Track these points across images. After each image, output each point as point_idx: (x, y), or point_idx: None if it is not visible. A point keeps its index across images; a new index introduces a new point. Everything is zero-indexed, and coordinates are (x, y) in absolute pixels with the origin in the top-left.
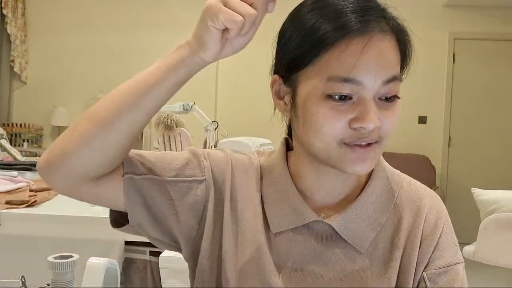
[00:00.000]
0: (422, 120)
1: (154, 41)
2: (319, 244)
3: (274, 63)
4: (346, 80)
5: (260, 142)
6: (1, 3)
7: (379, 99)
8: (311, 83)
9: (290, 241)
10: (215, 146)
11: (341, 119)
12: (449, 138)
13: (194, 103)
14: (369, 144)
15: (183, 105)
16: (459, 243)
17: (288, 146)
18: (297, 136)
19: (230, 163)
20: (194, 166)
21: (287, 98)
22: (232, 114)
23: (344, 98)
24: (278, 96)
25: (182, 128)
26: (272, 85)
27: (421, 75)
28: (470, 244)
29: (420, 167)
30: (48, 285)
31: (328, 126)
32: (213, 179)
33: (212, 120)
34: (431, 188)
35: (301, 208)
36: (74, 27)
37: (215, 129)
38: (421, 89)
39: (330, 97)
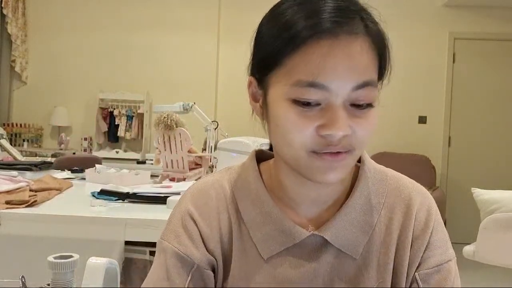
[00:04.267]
0: (422, 120)
1: (154, 41)
2: (313, 259)
3: (250, 63)
4: (311, 84)
5: (260, 142)
6: (1, 3)
7: (352, 105)
8: (278, 86)
9: (284, 263)
10: (215, 146)
11: (308, 126)
12: (449, 138)
13: (194, 103)
14: (338, 152)
15: (183, 105)
16: (459, 243)
17: (262, 155)
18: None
19: (192, 219)
20: (181, 270)
21: (261, 101)
22: (232, 114)
23: (311, 103)
24: (254, 98)
25: (182, 128)
26: (248, 87)
27: (421, 75)
28: (470, 244)
29: (420, 167)
30: (48, 285)
31: (295, 133)
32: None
33: (212, 120)
34: (430, 188)
35: (289, 227)
36: (74, 27)
37: (215, 129)
38: (421, 89)
39: (296, 102)
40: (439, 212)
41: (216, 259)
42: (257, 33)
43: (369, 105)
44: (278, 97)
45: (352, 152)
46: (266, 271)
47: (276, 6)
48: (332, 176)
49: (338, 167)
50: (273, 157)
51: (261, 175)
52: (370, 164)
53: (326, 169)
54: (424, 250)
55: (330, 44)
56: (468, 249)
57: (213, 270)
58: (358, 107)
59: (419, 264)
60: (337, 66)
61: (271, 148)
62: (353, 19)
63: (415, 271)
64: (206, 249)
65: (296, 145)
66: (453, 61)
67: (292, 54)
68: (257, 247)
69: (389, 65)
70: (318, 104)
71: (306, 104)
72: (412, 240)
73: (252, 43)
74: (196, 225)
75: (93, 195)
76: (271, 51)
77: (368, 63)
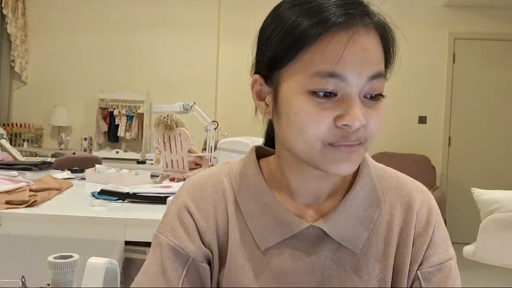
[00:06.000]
0: (422, 120)
1: (154, 41)
2: (311, 251)
3: (254, 62)
4: (331, 75)
5: (259, 142)
6: (1, 3)
7: (364, 97)
8: (294, 80)
9: (282, 255)
10: (215, 146)
11: (325, 117)
12: (449, 138)
13: (194, 103)
14: (353, 144)
15: (183, 105)
16: (459, 243)
17: (262, 152)
18: (279, 138)
19: (187, 212)
20: (176, 264)
21: (268, 99)
22: (232, 114)
23: (328, 95)
24: (259, 97)
25: (182, 128)
26: (252, 86)
27: (421, 75)
28: (470, 244)
29: (420, 167)
30: (48, 285)
31: (313, 125)
32: (197, 241)
33: (212, 120)
34: (431, 188)
35: (287, 218)
36: (74, 27)
37: (215, 129)
38: (421, 89)
39: (314, 93)
40: (439, 211)
41: (212, 252)
42: (262, 31)
43: (380, 95)
44: (293, 90)
45: (364, 144)
46: (263, 263)
47: (283, 3)
48: (347, 167)
49: (352, 158)
50: (272, 154)
51: (260, 170)
52: (371, 161)
53: (341, 160)
54: (426, 249)
55: (346, 36)
56: (468, 249)
57: (209, 264)
58: (370, 98)
59: (421, 263)
60: (354, 57)
61: (268, 145)
62: (364, 12)
63: (416, 269)
64: (202, 242)
65: (312, 138)
66: (453, 61)
67: (308, 47)
68: (255, 238)
69: (395, 59)
70: (334, 96)
71: (324, 95)
72: (414, 238)
73: (256, 42)
74: (193, 218)
75: (93, 195)
76: (284, 47)
77: (379, 55)
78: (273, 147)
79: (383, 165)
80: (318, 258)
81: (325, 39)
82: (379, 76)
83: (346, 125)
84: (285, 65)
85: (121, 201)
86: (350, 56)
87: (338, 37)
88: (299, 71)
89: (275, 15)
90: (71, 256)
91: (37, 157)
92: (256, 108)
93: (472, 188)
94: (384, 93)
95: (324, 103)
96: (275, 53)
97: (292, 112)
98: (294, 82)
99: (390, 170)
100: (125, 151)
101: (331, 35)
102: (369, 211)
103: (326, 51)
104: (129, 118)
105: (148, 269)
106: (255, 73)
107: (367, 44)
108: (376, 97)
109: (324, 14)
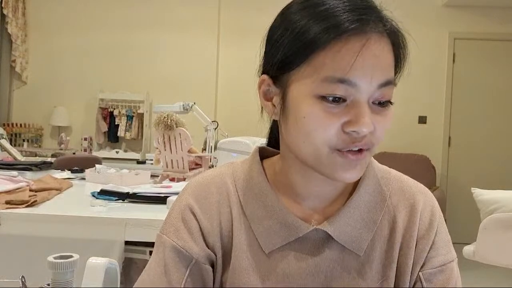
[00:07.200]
0: (422, 120)
1: (154, 41)
2: (315, 254)
3: (262, 63)
4: (341, 81)
5: (260, 142)
6: (2, 3)
7: (373, 103)
8: (303, 83)
9: (286, 258)
10: (215, 146)
11: (334, 122)
12: (449, 138)
13: (194, 103)
14: (360, 150)
15: (183, 105)
16: (459, 243)
17: (265, 152)
18: (285, 141)
19: (191, 213)
20: (179, 265)
21: (276, 100)
22: (232, 114)
23: (338, 100)
24: (265, 97)
25: (182, 128)
26: (259, 86)
27: (421, 75)
28: (470, 244)
29: (420, 167)
30: (48, 285)
31: (320, 130)
32: (199, 242)
33: (212, 120)
34: (431, 188)
35: (292, 221)
36: (74, 27)
37: (215, 129)
38: (421, 89)
39: (323, 98)
40: (441, 212)
41: (215, 254)
42: (271, 31)
43: (389, 102)
44: (302, 94)
45: (371, 150)
46: (267, 266)
47: (293, 4)
48: (353, 174)
49: (358, 165)
50: (275, 154)
51: (264, 171)
52: (374, 163)
53: (347, 167)
54: (429, 250)
55: (359, 42)
56: (468, 249)
57: (212, 265)
58: (378, 104)
59: (423, 264)
60: (366, 64)
61: (271, 146)
62: (378, 19)
63: (419, 271)
64: (206, 243)
65: (319, 143)
66: (453, 61)
67: (320, 51)
68: (259, 241)
69: (404, 65)
70: (343, 101)
71: (333, 100)
72: (417, 240)
73: (265, 42)
74: (196, 219)
75: (93, 195)
76: (295, 50)
77: (390, 62)
78: (276, 148)
79: (387, 167)
80: (322, 260)
81: (337, 44)
82: (389, 83)
83: (354, 131)
84: (295, 68)
85: (121, 201)
86: (362, 63)
87: (351, 43)
88: (309, 75)
89: (285, 16)
90: (71, 256)
91: (37, 157)
92: (262, 108)
93: (472, 188)
94: (392, 100)
95: (333, 108)
96: (285, 55)
97: (300, 116)
98: (303, 86)
99: (394, 172)
100: (125, 151)
101: (343, 41)
102: (372, 214)
103: (338, 56)
104: (129, 118)
105: (151, 269)
106: (263, 73)
107: (379, 51)
108: (384, 104)
109: (337, 18)
